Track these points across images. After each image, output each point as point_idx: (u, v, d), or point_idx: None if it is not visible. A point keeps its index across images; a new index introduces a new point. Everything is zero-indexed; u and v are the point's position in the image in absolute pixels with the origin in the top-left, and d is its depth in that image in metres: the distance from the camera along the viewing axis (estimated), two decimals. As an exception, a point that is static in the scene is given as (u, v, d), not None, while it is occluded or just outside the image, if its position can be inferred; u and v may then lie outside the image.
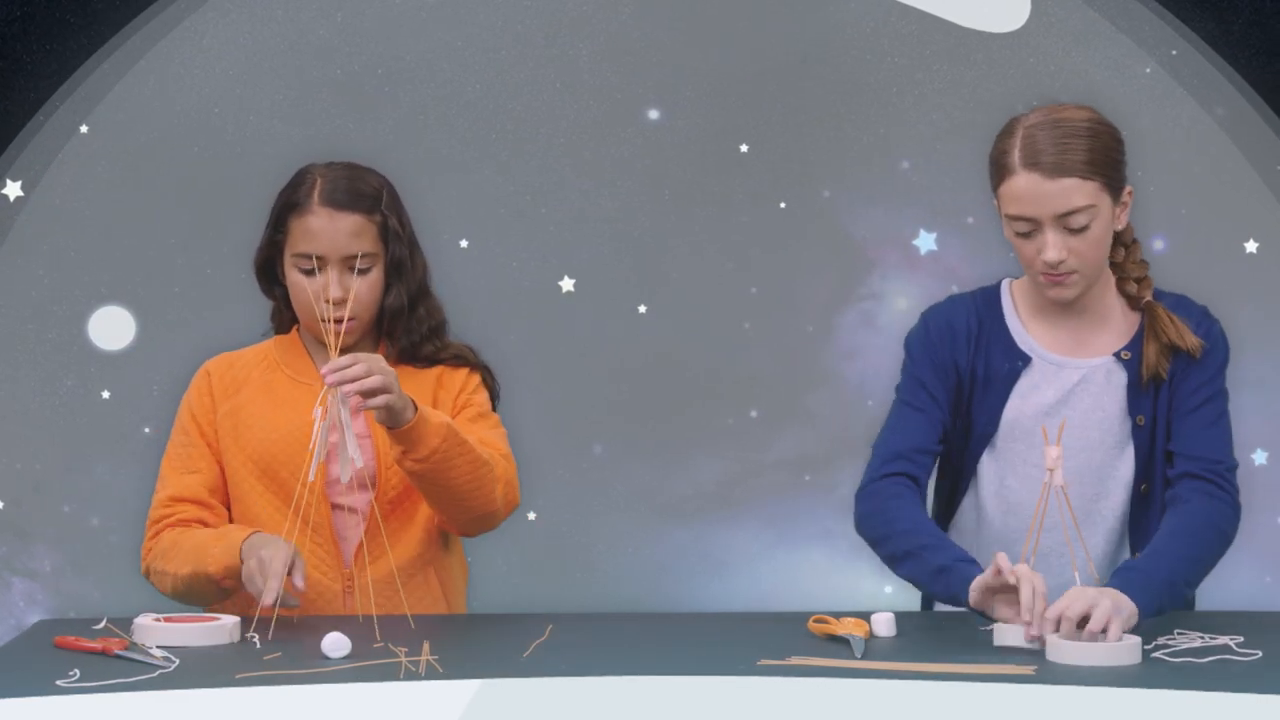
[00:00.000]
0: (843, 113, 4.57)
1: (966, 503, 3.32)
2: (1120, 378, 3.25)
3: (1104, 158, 3.12)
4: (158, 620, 2.94)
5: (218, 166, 4.55)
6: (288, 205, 3.31)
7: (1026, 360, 3.25)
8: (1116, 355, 3.24)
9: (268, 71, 4.56)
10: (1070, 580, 3.09)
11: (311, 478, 3.07)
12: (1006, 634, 2.89)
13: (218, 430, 3.33)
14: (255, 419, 3.31)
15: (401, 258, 3.32)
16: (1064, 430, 3.11)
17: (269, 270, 3.36)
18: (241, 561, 3.11)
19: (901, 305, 4.56)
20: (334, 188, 3.29)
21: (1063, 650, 2.77)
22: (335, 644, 2.83)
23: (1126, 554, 3.26)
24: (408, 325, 3.35)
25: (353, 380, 3.02)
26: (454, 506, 3.23)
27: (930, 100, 4.55)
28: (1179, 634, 2.86)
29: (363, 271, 3.28)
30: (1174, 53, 4.52)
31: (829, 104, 4.57)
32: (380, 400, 3.04)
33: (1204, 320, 3.28)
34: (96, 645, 2.87)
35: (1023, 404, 3.24)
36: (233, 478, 3.31)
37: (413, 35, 4.56)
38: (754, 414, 4.58)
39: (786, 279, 4.58)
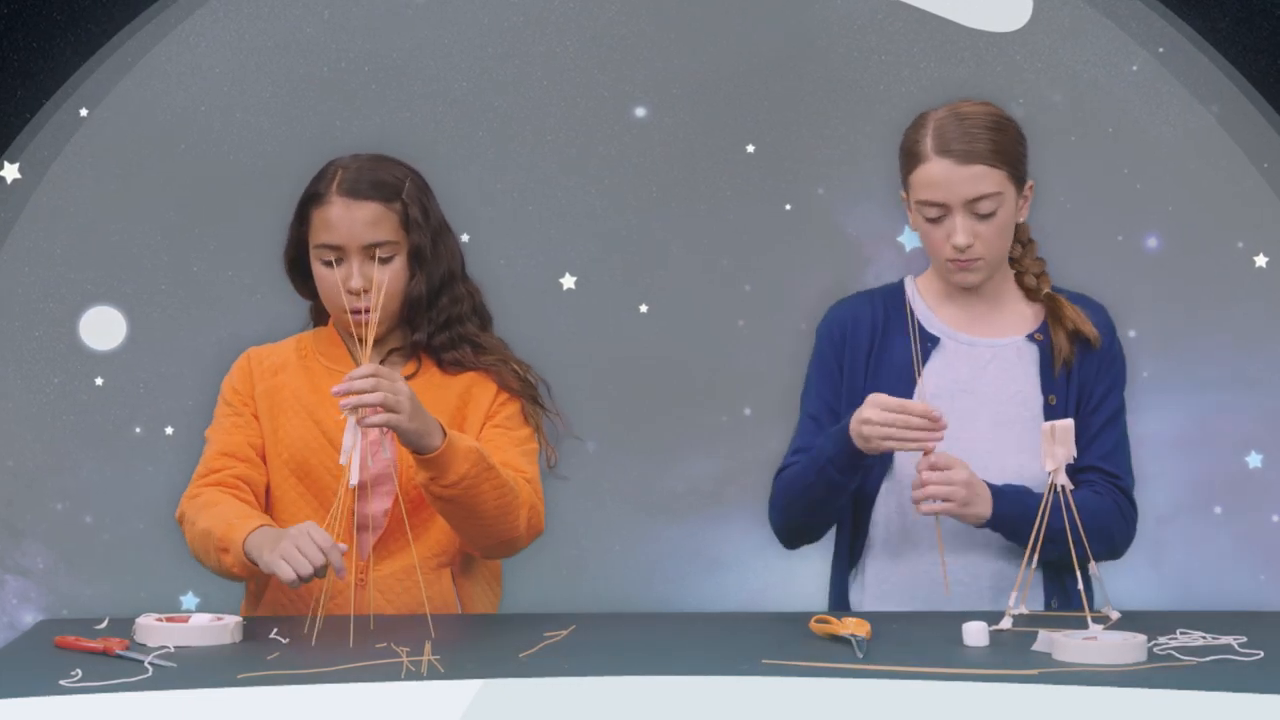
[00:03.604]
0: (833, 110, 4.57)
1: (884, 490, 3.36)
2: (1032, 355, 3.35)
3: (1009, 149, 3.29)
4: (159, 620, 2.94)
5: (206, 165, 4.53)
6: (308, 197, 3.29)
7: (935, 341, 3.36)
8: (1029, 336, 3.31)
9: (255, 69, 4.54)
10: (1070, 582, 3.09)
11: (353, 482, 3.04)
12: (971, 634, 2.91)
13: (257, 409, 3.32)
14: (291, 404, 3.30)
15: (421, 246, 3.29)
16: (971, 407, 3.20)
17: (301, 267, 3.33)
18: (245, 551, 3.08)
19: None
20: (354, 178, 3.27)
21: (1067, 649, 2.77)
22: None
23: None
24: (426, 317, 3.32)
25: (356, 394, 2.99)
26: (476, 531, 3.21)
27: (916, 99, 4.54)
28: (1181, 633, 2.87)
29: (384, 260, 3.26)
30: (1161, 49, 4.53)
31: (821, 101, 4.57)
32: (379, 419, 2.99)
33: (1102, 316, 3.41)
34: (97, 645, 2.87)
35: (938, 381, 3.33)
36: (268, 460, 3.31)
37: (400, 33, 4.55)
38: (748, 412, 4.58)
39: (781, 276, 4.58)
